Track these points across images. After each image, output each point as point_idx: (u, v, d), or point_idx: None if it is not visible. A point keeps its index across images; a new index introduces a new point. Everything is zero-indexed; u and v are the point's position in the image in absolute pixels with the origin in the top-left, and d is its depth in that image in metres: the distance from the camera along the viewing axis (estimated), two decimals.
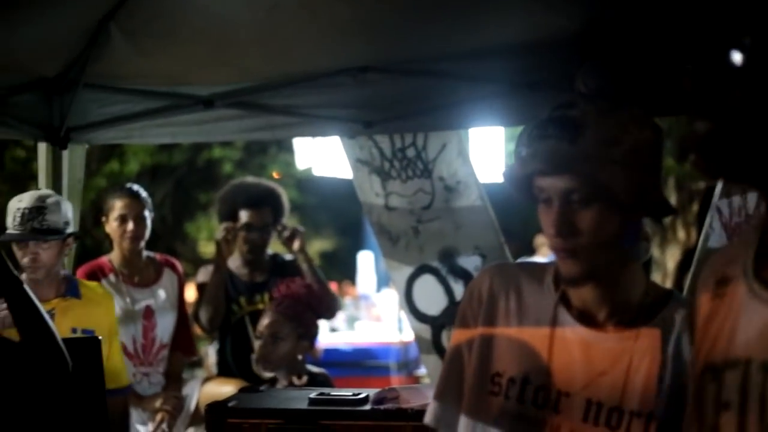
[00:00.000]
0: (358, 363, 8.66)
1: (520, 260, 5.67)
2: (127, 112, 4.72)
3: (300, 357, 4.15)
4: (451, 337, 2.27)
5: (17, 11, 3.58)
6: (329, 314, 4.88)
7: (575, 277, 1.97)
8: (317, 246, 20.67)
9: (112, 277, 4.85)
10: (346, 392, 3.35)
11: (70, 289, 4.06)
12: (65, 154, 4.78)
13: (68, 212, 3.99)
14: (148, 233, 4.90)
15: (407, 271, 5.06)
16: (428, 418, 2.26)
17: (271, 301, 4.41)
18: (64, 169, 4.78)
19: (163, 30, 3.97)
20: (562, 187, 1.91)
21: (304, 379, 4.11)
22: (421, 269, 5.01)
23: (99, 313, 4.12)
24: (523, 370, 2.05)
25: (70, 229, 4.02)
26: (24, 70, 4.33)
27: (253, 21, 3.86)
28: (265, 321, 4.17)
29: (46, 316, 2.66)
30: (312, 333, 4.24)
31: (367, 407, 3.18)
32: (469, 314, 2.19)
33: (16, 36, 3.77)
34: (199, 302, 5.19)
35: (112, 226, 4.85)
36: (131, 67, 4.33)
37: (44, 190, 4.19)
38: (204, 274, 5.28)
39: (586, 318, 2.03)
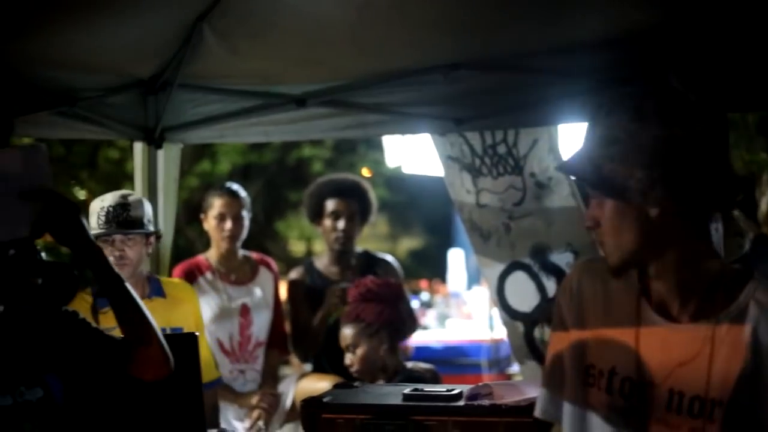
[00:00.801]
0: (448, 361, 8.64)
1: None
2: (220, 111, 4.78)
3: (390, 357, 4.14)
4: (551, 329, 2.30)
5: (113, 14, 3.65)
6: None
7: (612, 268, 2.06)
8: (406, 244, 20.69)
9: (209, 274, 4.91)
10: (440, 388, 3.35)
11: (154, 290, 4.09)
12: (160, 153, 4.86)
13: (150, 210, 4.01)
14: (245, 232, 4.96)
15: (499, 268, 5.04)
16: (537, 408, 2.31)
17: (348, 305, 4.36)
18: (159, 168, 4.86)
19: (256, 30, 4.01)
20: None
21: (399, 376, 4.11)
22: (513, 266, 4.98)
23: (185, 311, 4.15)
24: (610, 361, 2.09)
25: (152, 228, 4.04)
26: (120, 71, 4.41)
27: (345, 19, 3.87)
28: (344, 332, 4.18)
29: (149, 314, 2.70)
30: (395, 330, 4.20)
31: (461, 403, 3.17)
32: (564, 309, 2.23)
33: (113, 38, 3.84)
34: (298, 336, 5.20)
35: (210, 224, 4.90)
36: (225, 67, 4.38)
37: (125, 190, 4.22)
38: (295, 275, 5.31)
39: (664, 310, 2.06)
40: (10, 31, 3.45)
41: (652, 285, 2.06)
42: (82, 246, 2.59)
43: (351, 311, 4.19)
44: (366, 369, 4.08)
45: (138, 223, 3.87)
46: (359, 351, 4.11)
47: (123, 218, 3.84)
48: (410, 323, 4.31)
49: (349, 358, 4.13)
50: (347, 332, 4.15)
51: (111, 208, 3.83)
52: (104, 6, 3.56)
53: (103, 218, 3.83)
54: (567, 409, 2.20)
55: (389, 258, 5.46)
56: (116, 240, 3.85)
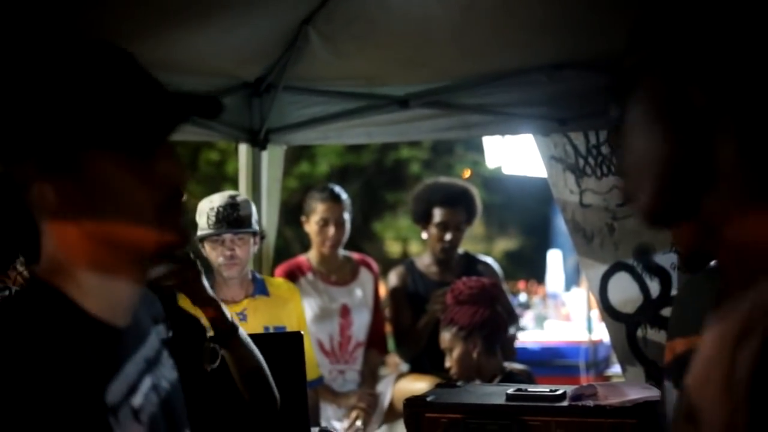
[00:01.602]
0: (546, 362, 8.57)
1: None
2: (324, 113, 4.83)
3: (487, 359, 4.14)
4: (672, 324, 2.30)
5: (222, 18, 3.71)
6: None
7: None
8: (503, 245, 20.62)
9: (310, 275, 4.95)
10: (544, 388, 3.34)
11: (258, 288, 4.14)
12: (264, 155, 4.92)
13: (255, 211, 4.06)
14: (347, 235, 5.00)
15: (602, 269, 5.00)
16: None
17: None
18: (263, 169, 4.92)
19: (360, 32, 4.05)
20: None
21: (498, 378, 4.11)
22: (616, 267, 4.94)
23: (288, 310, 4.20)
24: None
25: (258, 228, 4.09)
26: (227, 74, 4.48)
27: (449, 21, 3.89)
28: (442, 335, 4.19)
29: (263, 361, 2.78)
30: (490, 332, 4.19)
31: (565, 403, 3.16)
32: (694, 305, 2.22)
33: (221, 42, 3.91)
34: (401, 337, 5.24)
35: (312, 228, 4.94)
36: (328, 69, 4.43)
37: (231, 191, 4.29)
38: (395, 277, 5.34)
39: None
40: (120, 36, 3.53)
41: None
42: (201, 300, 2.65)
43: (447, 314, 4.20)
44: (462, 371, 4.09)
45: (247, 223, 3.93)
46: (455, 353, 4.12)
47: (233, 218, 3.89)
48: (507, 324, 4.30)
49: (447, 360, 4.15)
50: (444, 335, 4.17)
51: (221, 209, 3.89)
52: (213, 11, 3.62)
53: (213, 218, 3.89)
54: (667, 385, 2.20)
55: (489, 260, 5.47)
56: (227, 240, 3.91)
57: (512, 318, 4.40)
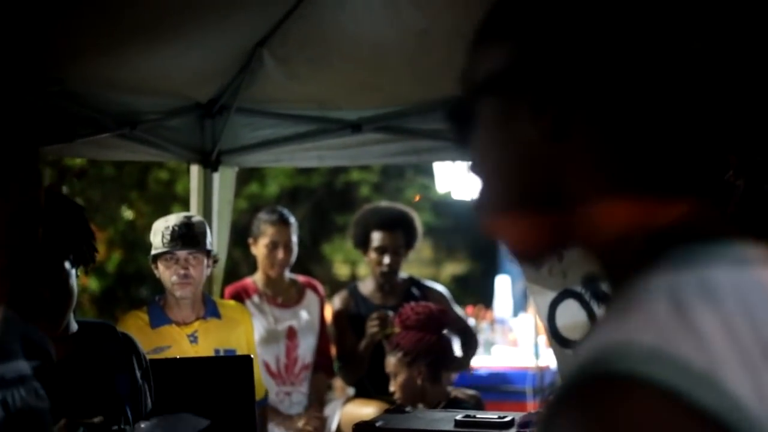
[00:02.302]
0: (494, 387, 8.58)
1: None
2: (276, 135, 4.83)
3: (431, 386, 4.14)
4: None
5: (176, 40, 3.71)
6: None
7: None
8: (451, 269, 20.65)
9: (256, 297, 4.94)
10: (492, 415, 3.35)
11: (210, 310, 4.14)
12: (216, 176, 4.91)
13: (209, 232, 4.06)
14: (294, 258, 4.99)
15: (550, 296, 5.02)
16: None
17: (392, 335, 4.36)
18: (214, 191, 4.91)
19: (314, 55, 4.06)
20: None
21: (442, 404, 4.11)
22: (565, 294, 4.97)
23: (239, 332, 4.20)
24: None
25: (212, 248, 4.08)
26: (179, 95, 4.47)
27: (403, 46, 3.91)
28: (387, 359, 4.19)
29: None
30: (436, 359, 4.19)
31: (513, 430, 3.17)
32: None
33: (175, 63, 3.91)
34: (344, 361, 5.22)
35: (261, 251, 4.92)
36: (282, 92, 4.43)
37: (186, 212, 4.27)
38: (338, 301, 5.34)
39: None
40: (75, 54, 3.52)
41: None
42: None
43: (393, 339, 4.21)
44: (405, 397, 4.08)
45: (202, 243, 3.93)
46: (399, 378, 4.11)
47: (188, 237, 3.89)
48: (453, 351, 4.31)
49: (392, 385, 4.15)
50: (390, 359, 4.16)
51: (176, 227, 3.89)
52: (167, 32, 3.62)
53: (168, 236, 3.88)
54: None
55: (438, 286, 5.46)
56: (181, 258, 3.91)
57: (470, 337, 4.42)
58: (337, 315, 5.29)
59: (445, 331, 4.24)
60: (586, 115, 0.96)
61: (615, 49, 0.96)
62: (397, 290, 5.26)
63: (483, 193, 1.07)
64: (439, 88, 4.36)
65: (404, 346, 4.12)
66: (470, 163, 1.06)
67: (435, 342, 4.15)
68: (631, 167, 0.97)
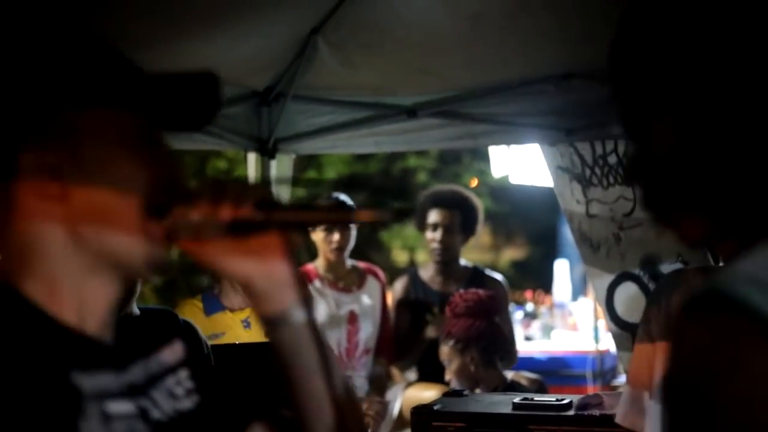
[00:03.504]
0: (553, 372, 8.55)
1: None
2: (332, 122, 4.85)
3: (485, 371, 4.14)
4: (641, 324, 2.29)
5: (232, 27, 3.73)
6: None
7: None
8: (509, 255, 20.59)
9: (317, 282, 4.97)
10: (550, 398, 3.36)
11: None
12: (273, 163, 4.94)
13: None
14: (353, 242, 5.01)
15: (608, 278, 5.01)
16: (621, 405, 2.30)
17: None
18: (271, 178, 4.94)
19: (369, 42, 4.07)
20: None
21: (500, 388, 4.11)
22: (623, 276, 4.95)
23: None
24: None
25: None
26: (236, 83, 4.50)
27: (456, 31, 3.91)
28: (441, 348, 4.21)
29: None
30: (488, 344, 4.19)
31: (571, 413, 3.18)
32: (652, 321, 2.21)
33: (231, 51, 3.93)
34: (397, 346, 5.25)
35: (318, 235, 4.96)
36: (337, 79, 4.44)
37: None
38: (398, 287, 5.36)
39: None
40: (130, 44, 3.56)
41: None
42: None
43: (445, 327, 4.23)
44: (460, 384, 4.10)
45: None
46: (453, 366, 4.13)
47: None
48: (506, 335, 4.33)
49: (447, 373, 4.17)
50: (443, 348, 4.19)
51: None
52: (222, 20, 3.64)
53: None
54: (655, 409, 2.18)
55: (498, 276, 5.45)
56: None
57: (508, 349, 4.44)
58: (396, 299, 5.32)
59: (496, 318, 4.25)
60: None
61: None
62: (458, 277, 5.27)
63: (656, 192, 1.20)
64: (493, 72, 4.39)
65: (455, 333, 4.14)
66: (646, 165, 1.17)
67: (485, 327, 4.16)
68: None
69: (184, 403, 1.44)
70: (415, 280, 5.34)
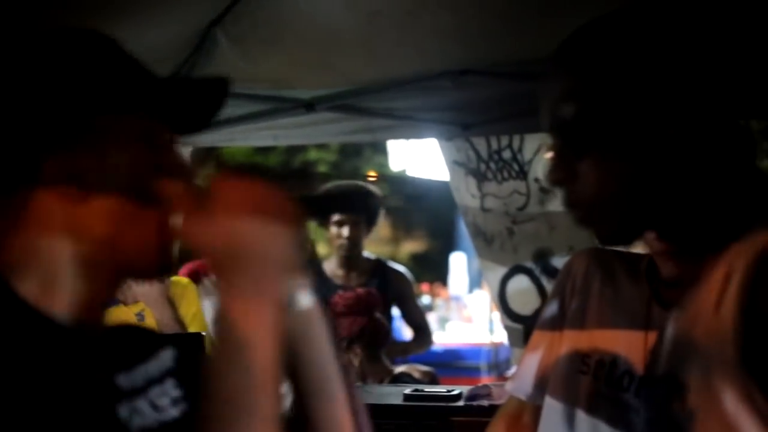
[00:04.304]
0: (448, 364, 8.67)
1: None
2: (230, 115, 4.83)
3: (371, 366, 4.18)
4: (541, 320, 2.30)
5: (127, 19, 3.71)
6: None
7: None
8: (408, 248, 20.68)
9: (208, 280, 4.96)
10: (440, 389, 3.42)
11: None
12: None
13: None
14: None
15: (501, 271, 5.10)
16: (509, 385, 2.32)
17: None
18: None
19: (268, 35, 4.07)
20: None
21: (386, 380, 4.16)
22: (515, 269, 5.04)
23: (184, 308, 4.23)
24: (612, 354, 1.98)
25: None
26: None
27: (356, 26, 3.93)
28: None
29: None
30: (371, 339, 4.23)
31: (461, 403, 3.23)
32: (567, 291, 2.22)
33: (127, 43, 3.90)
34: None
35: None
36: (236, 72, 4.42)
37: None
38: None
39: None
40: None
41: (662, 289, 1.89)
42: None
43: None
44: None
45: None
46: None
47: None
48: (387, 329, 4.37)
49: None
50: None
51: None
52: (118, 11, 3.62)
53: None
54: (549, 403, 2.19)
55: (401, 268, 5.49)
56: None
57: (424, 334, 4.45)
58: None
59: (377, 314, 4.29)
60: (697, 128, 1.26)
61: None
62: (362, 269, 5.30)
63: (588, 192, 1.26)
64: (392, 67, 4.42)
65: (338, 332, 4.16)
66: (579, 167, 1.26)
67: (367, 324, 4.20)
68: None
69: (169, 413, 1.42)
70: (318, 274, 5.35)
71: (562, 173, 1.26)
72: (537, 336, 2.28)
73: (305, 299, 1.41)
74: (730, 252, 1.18)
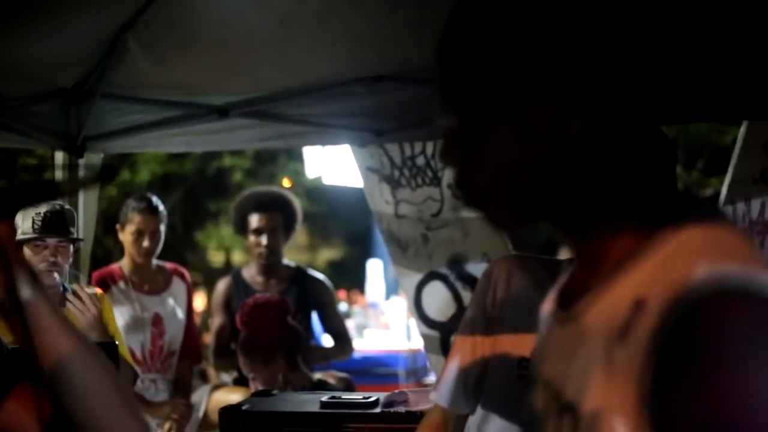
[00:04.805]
0: (366, 371, 8.67)
1: None
2: (143, 121, 4.79)
3: (293, 374, 4.13)
4: (463, 320, 2.28)
5: (37, 23, 3.66)
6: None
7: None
8: (326, 255, 20.69)
9: (122, 284, 4.91)
10: (357, 395, 3.40)
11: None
12: (81, 162, 4.85)
13: (77, 221, 4.06)
14: (161, 246, 4.98)
15: (416, 277, 5.11)
16: (434, 395, 2.29)
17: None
18: (80, 177, 4.85)
19: (180, 40, 4.04)
20: None
21: (307, 387, 4.11)
22: (430, 276, 5.06)
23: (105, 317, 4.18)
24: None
25: (79, 236, 4.09)
26: (43, 80, 4.41)
27: (268, 32, 3.93)
28: (243, 362, 4.15)
29: None
30: (292, 348, 4.17)
31: (378, 410, 3.23)
32: (488, 298, 2.21)
33: (36, 47, 3.85)
34: (218, 350, 5.22)
35: (127, 238, 4.89)
36: (148, 77, 4.40)
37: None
38: (220, 288, 5.36)
39: None
40: None
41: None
42: None
43: (242, 342, 4.13)
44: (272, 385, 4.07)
45: (71, 231, 3.91)
46: (260, 377, 4.07)
47: (59, 224, 3.85)
48: (303, 335, 4.32)
49: (252, 385, 4.11)
50: (245, 361, 4.10)
51: (48, 214, 3.84)
52: (28, 15, 3.57)
53: (39, 223, 3.83)
54: (483, 414, 2.17)
55: (320, 276, 5.48)
56: (50, 245, 3.86)
57: (345, 343, 4.42)
58: (217, 301, 5.30)
59: (289, 318, 4.22)
60: (608, 120, 1.14)
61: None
62: (281, 276, 5.28)
63: (481, 174, 1.17)
64: (305, 73, 4.42)
65: (255, 348, 4.08)
66: (466, 148, 1.17)
67: (284, 335, 4.13)
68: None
69: None
70: (237, 281, 5.33)
71: (453, 152, 1.20)
72: (458, 342, 2.28)
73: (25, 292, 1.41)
74: (644, 268, 1.11)
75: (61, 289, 4.08)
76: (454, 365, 2.33)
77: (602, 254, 1.17)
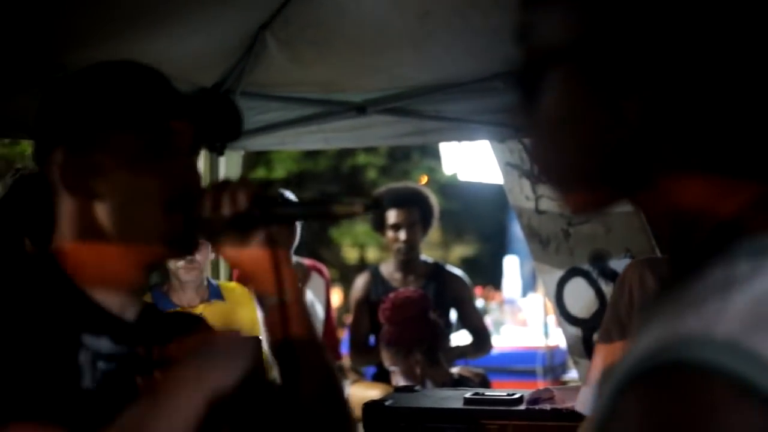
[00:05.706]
0: (503, 368, 8.62)
1: None
2: (282, 119, 4.83)
3: (431, 369, 4.13)
4: (602, 327, 2.26)
5: (178, 23, 3.71)
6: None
7: None
8: (459, 252, 20.66)
9: None
10: (501, 392, 3.37)
11: (213, 293, 4.17)
12: (222, 160, 4.92)
13: None
14: (297, 241, 5.01)
15: (558, 274, 5.04)
16: (579, 405, 2.29)
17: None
18: (221, 175, 4.92)
19: (317, 38, 4.06)
20: None
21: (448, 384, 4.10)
22: (572, 272, 4.99)
23: (243, 314, 4.22)
24: None
25: None
26: (183, 79, 4.46)
27: (405, 28, 3.91)
28: (384, 355, 4.18)
29: None
30: (432, 344, 4.16)
31: (522, 407, 3.19)
32: (623, 304, 2.19)
33: (177, 47, 3.90)
34: (355, 347, 5.24)
35: None
36: (285, 76, 4.43)
37: None
38: (358, 284, 5.37)
39: None
40: (75, 40, 3.52)
41: None
42: None
43: (383, 335, 4.19)
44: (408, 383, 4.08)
45: None
46: (398, 370, 4.10)
47: None
48: (444, 331, 4.32)
49: (393, 379, 4.15)
50: (385, 355, 4.15)
51: None
52: (169, 15, 3.62)
53: None
54: None
55: (458, 272, 5.46)
56: None
57: (483, 339, 4.40)
58: (355, 296, 5.33)
59: (429, 314, 4.22)
60: (670, 97, 0.96)
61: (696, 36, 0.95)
62: (419, 273, 5.29)
63: (546, 154, 1.10)
64: (443, 69, 4.39)
65: (396, 341, 4.10)
66: (533, 127, 1.10)
67: (424, 330, 4.14)
68: (704, 149, 0.97)
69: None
70: (376, 277, 5.35)
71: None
72: (598, 350, 2.27)
73: (272, 299, 1.67)
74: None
75: (206, 283, 4.15)
76: (595, 374, 2.31)
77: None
